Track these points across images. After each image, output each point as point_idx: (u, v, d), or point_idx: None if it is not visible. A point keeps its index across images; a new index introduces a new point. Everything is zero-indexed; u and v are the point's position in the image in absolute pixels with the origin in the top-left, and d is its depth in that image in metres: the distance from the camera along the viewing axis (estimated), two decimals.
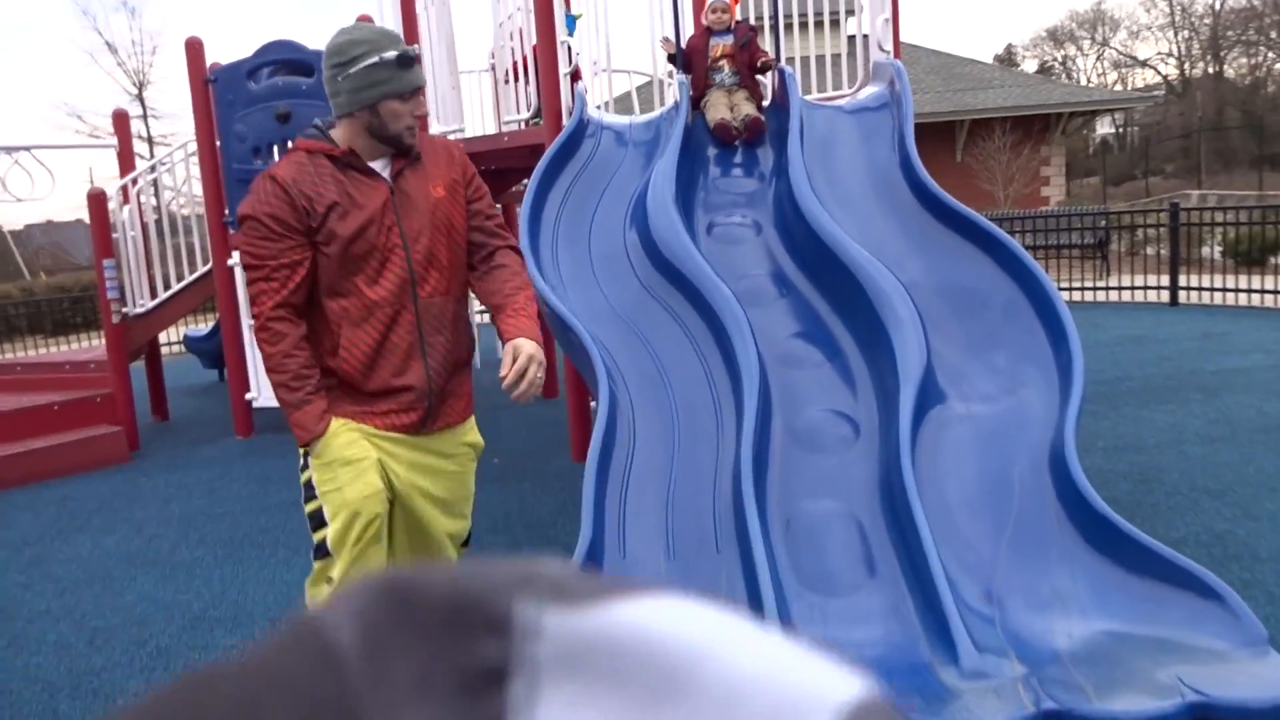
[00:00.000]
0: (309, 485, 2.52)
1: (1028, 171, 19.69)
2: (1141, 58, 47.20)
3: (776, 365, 3.88)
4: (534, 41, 5.57)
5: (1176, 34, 44.55)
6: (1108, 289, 12.08)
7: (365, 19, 5.86)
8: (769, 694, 0.29)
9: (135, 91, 32.11)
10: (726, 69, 5.24)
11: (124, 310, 7.58)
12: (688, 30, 5.48)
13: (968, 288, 4.02)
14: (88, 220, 7.42)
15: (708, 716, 0.28)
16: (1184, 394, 6.58)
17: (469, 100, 8.25)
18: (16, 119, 48.22)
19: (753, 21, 5.88)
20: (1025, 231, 13.03)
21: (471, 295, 2.91)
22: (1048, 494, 3.35)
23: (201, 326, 11.97)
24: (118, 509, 5.70)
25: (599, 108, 5.70)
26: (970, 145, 20.23)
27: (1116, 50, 47.62)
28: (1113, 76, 47.76)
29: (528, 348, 2.44)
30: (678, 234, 4.13)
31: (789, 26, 6.18)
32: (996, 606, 3.06)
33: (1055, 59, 48.86)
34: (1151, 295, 11.63)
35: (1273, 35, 40.71)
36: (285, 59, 7.05)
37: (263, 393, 7.31)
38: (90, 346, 11.43)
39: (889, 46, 5.30)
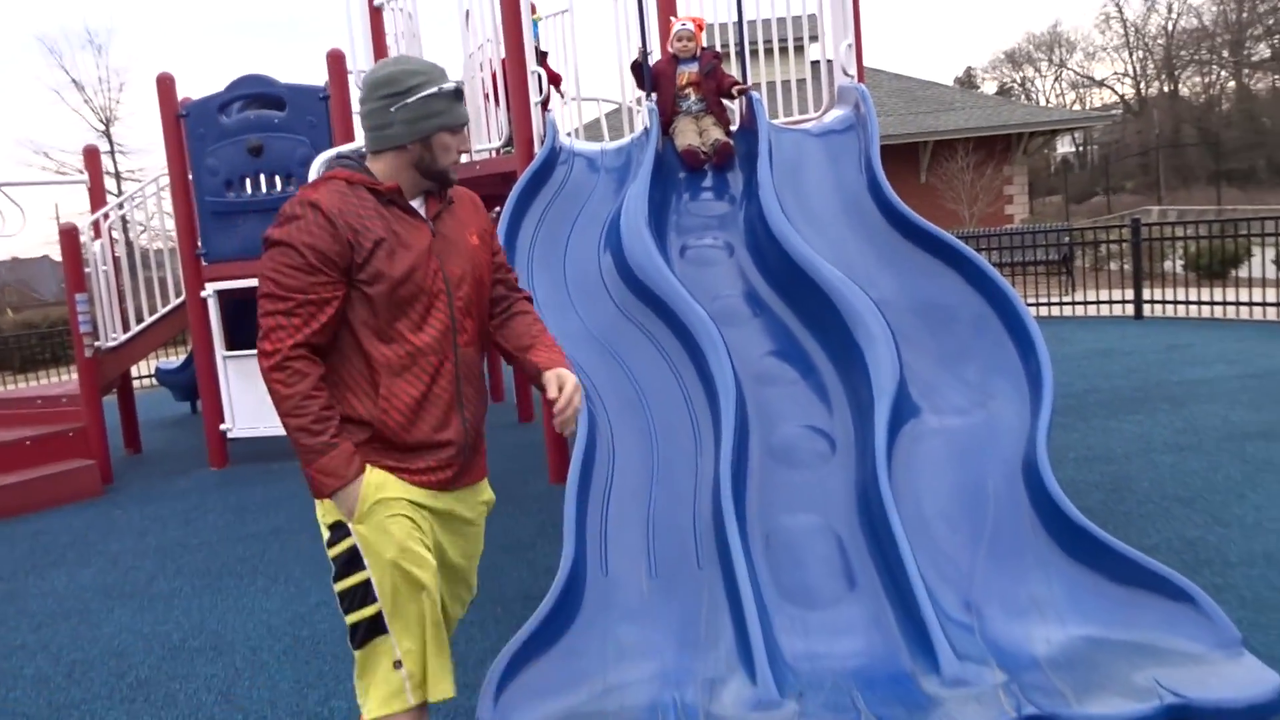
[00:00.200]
0: (352, 556, 2.18)
1: (991, 191, 20.00)
2: (1098, 78, 48.17)
3: (752, 383, 3.93)
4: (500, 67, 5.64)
5: (1131, 54, 45.54)
6: (1074, 304, 12.28)
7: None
8: None
9: (102, 128, 31.93)
10: (693, 96, 5.33)
11: (96, 344, 7.53)
12: (653, 48, 5.58)
13: (937, 303, 4.09)
14: (55, 256, 7.38)
15: None
16: (1151, 405, 6.70)
17: None
18: None
19: (719, 48, 5.98)
20: (991, 249, 13.22)
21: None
22: (1022, 503, 3.41)
23: (173, 359, 11.90)
24: (93, 542, 5.65)
25: (569, 135, 5.76)
26: (934, 166, 20.54)
27: (1074, 71, 48.62)
28: (1071, 96, 48.70)
29: (572, 377, 2.36)
30: (651, 257, 4.19)
31: (754, 53, 6.29)
32: (975, 615, 3.10)
33: (1014, 80, 49.77)
34: (1116, 309, 11.83)
35: (1225, 54, 41.64)
36: (257, 93, 7.08)
37: (237, 423, 7.28)
38: (59, 382, 11.32)
39: (853, 71, 5.41)
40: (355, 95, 6.37)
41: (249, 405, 7.23)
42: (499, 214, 4.78)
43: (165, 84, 7.20)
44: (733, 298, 4.41)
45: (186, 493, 6.73)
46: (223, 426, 7.34)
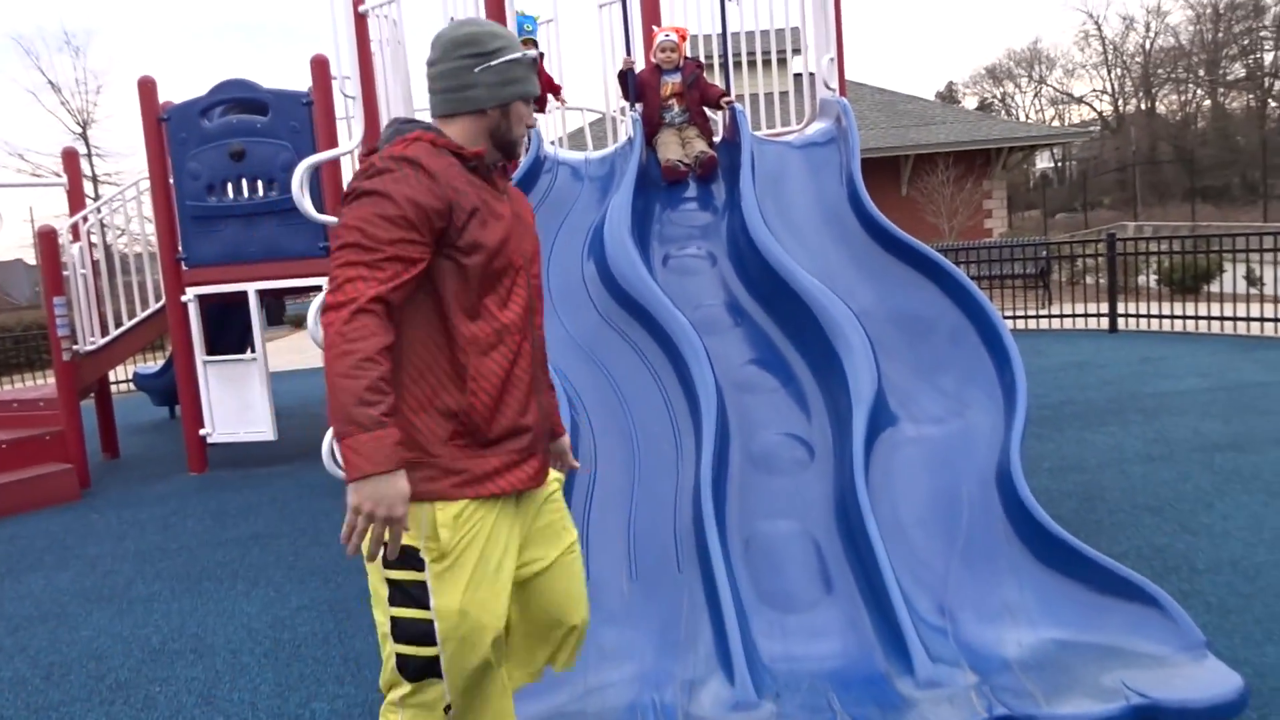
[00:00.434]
0: (419, 590, 1.99)
1: (971, 204, 20.20)
2: (1077, 95, 48.71)
3: (733, 391, 3.99)
4: None
5: (1110, 72, 46.12)
6: (1050, 317, 12.42)
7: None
8: None
9: (79, 130, 31.72)
10: (676, 107, 5.39)
11: (74, 348, 7.51)
12: (637, 54, 5.64)
13: (915, 314, 4.17)
14: (29, 259, 7.36)
15: None
16: (1124, 416, 6.81)
17: None
18: None
19: (702, 59, 6.05)
20: (970, 262, 13.36)
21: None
22: (996, 511, 3.48)
23: (151, 364, 11.85)
24: (70, 546, 5.63)
25: (553, 144, 5.81)
26: (915, 179, 20.72)
27: (1053, 88, 49.16)
28: (1050, 112, 49.23)
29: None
30: (634, 266, 4.24)
31: (738, 65, 6.36)
32: (949, 619, 3.16)
33: (995, 96, 50.27)
34: (1092, 323, 11.98)
35: (1201, 74, 42.24)
36: (240, 98, 7.08)
37: (217, 429, 7.27)
38: (34, 385, 11.25)
39: (834, 84, 5.49)
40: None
41: (229, 410, 7.22)
42: None
43: (147, 87, 7.20)
44: (715, 307, 4.46)
45: (165, 497, 6.71)
46: (202, 432, 7.32)
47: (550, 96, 6.49)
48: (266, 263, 7.02)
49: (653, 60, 5.49)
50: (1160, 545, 4.25)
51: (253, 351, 7.19)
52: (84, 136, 31.63)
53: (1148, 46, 44.12)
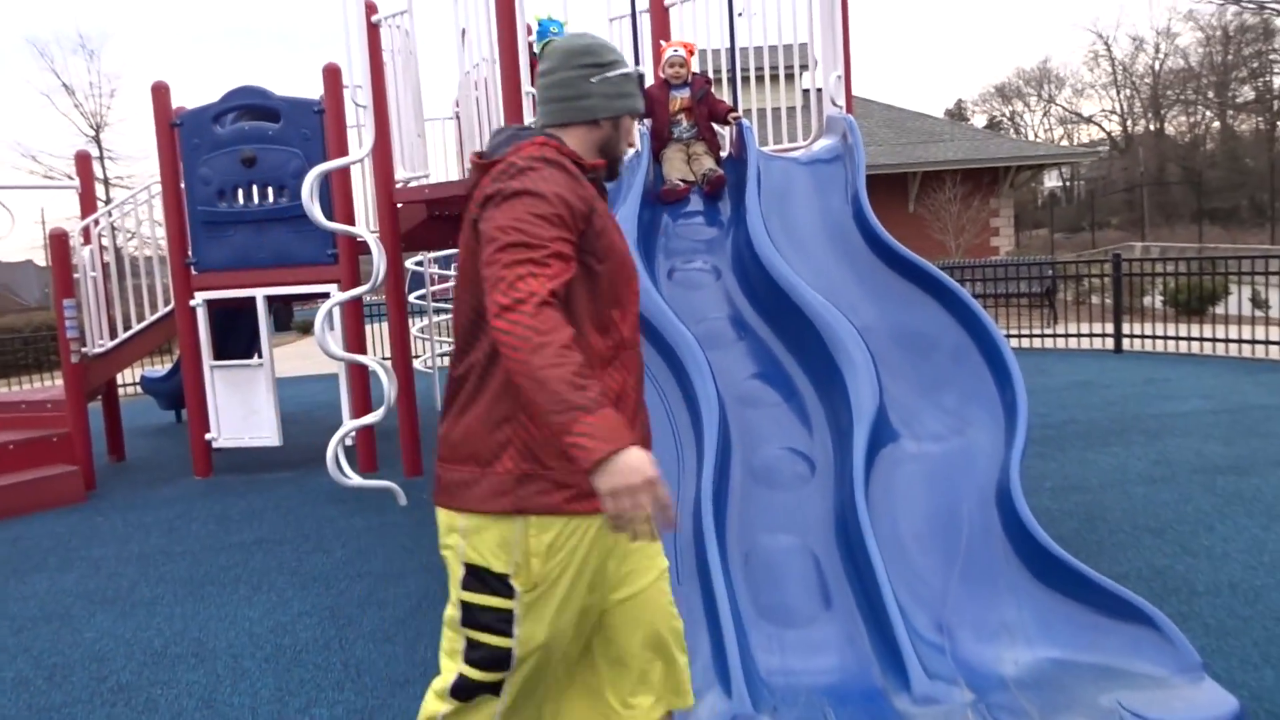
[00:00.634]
0: (504, 619, 1.95)
1: (978, 222, 20.22)
2: (1086, 114, 48.76)
3: (735, 405, 4.01)
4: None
5: (1119, 92, 46.14)
6: (1055, 336, 12.42)
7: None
8: None
9: (92, 133, 31.92)
10: (684, 122, 5.43)
11: (83, 350, 7.55)
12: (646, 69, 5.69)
13: (918, 332, 4.19)
14: (39, 261, 7.41)
15: None
16: (1127, 437, 6.81)
17: (433, 147, 8.40)
18: None
19: (710, 74, 6.10)
20: (976, 280, 13.38)
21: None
22: (995, 529, 3.50)
23: (159, 368, 11.89)
24: (75, 548, 5.66)
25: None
26: (922, 196, 20.75)
27: (1062, 107, 49.19)
28: (1059, 132, 49.27)
29: None
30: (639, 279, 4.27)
31: (746, 80, 6.40)
32: (947, 636, 3.18)
33: (1004, 114, 50.33)
34: (1097, 343, 11.98)
35: (1210, 95, 42.25)
36: (251, 104, 7.14)
37: (222, 433, 7.30)
38: (42, 387, 11.30)
39: (841, 101, 5.52)
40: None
41: (234, 415, 7.26)
42: None
43: (160, 92, 7.26)
44: (719, 320, 4.49)
45: (170, 501, 6.74)
46: (208, 436, 7.36)
47: None
48: (275, 269, 7.06)
49: (661, 75, 5.52)
50: (1160, 567, 4.26)
51: (260, 357, 7.23)
52: (97, 139, 31.85)
53: (1157, 68, 44.19)
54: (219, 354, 7.57)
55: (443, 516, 2.02)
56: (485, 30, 5.86)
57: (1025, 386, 3.77)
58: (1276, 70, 39.41)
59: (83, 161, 8.45)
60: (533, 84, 5.69)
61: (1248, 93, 41.02)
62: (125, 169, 32.88)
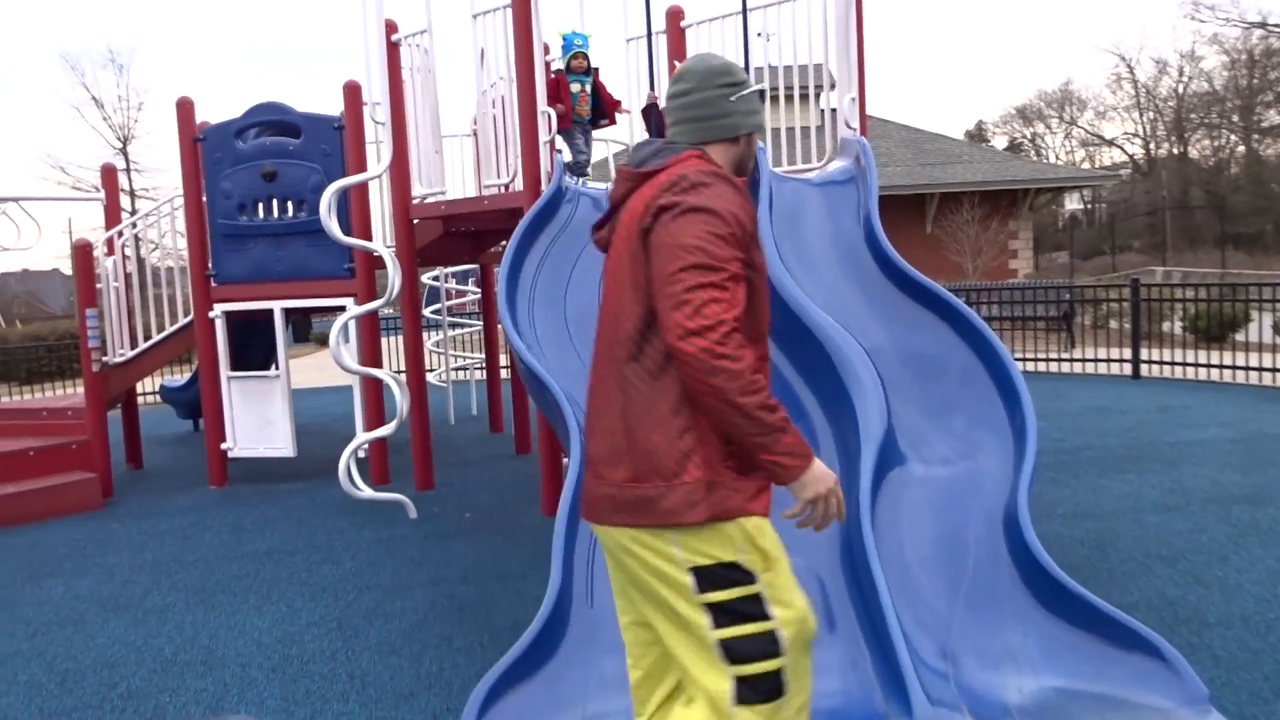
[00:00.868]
0: (754, 600, 1.96)
1: (996, 244, 20.17)
2: (1108, 137, 48.58)
3: None
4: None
5: (1142, 115, 45.97)
6: (1072, 361, 12.35)
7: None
8: None
9: (119, 146, 32.29)
10: None
11: (103, 359, 7.64)
12: (660, 90, 5.71)
13: (927, 354, 4.19)
14: (65, 270, 7.52)
15: None
16: (1142, 464, 6.77)
17: (451, 164, 8.47)
18: None
19: None
20: (992, 303, 13.33)
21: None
22: (1002, 555, 3.49)
23: (178, 377, 12.00)
24: (90, 554, 5.71)
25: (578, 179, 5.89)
26: (940, 217, 20.72)
27: (1084, 129, 49.04)
28: (1080, 154, 49.10)
29: None
30: None
31: (774, 99, 6.43)
32: (950, 662, 3.17)
33: (1024, 136, 50.21)
34: (1114, 368, 11.91)
35: (1235, 119, 42.03)
36: (273, 120, 7.24)
37: (238, 443, 7.37)
38: (64, 395, 11.42)
39: (855, 123, 5.54)
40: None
41: (250, 425, 7.33)
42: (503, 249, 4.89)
43: (184, 107, 7.37)
44: None
45: (185, 509, 6.80)
46: (224, 445, 7.42)
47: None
48: (293, 282, 7.14)
49: None
50: (1172, 597, 4.23)
51: (276, 368, 7.29)
52: (124, 152, 32.24)
53: (1181, 91, 44.02)
54: (237, 365, 7.64)
55: (622, 535, 2.00)
56: (503, 50, 5.92)
57: (1038, 411, 3.77)
58: None
59: (108, 174, 8.58)
60: (549, 104, 5.77)
61: (1273, 117, 40.82)
62: (151, 181, 33.17)
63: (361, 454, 6.91)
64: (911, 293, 4.37)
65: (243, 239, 7.20)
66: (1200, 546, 4.89)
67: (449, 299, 11.23)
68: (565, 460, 5.15)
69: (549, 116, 5.65)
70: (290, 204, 7.13)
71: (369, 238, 6.91)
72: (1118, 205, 43.99)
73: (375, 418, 7.00)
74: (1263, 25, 37.24)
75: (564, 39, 5.92)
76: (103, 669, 3.95)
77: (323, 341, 23.06)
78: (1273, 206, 37.66)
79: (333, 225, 5.58)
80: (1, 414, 7.94)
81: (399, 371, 8.76)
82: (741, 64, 5.62)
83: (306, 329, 23.55)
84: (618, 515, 2.00)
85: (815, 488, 1.91)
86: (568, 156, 5.91)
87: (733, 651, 1.95)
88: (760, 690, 1.95)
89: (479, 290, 10.20)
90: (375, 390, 7.06)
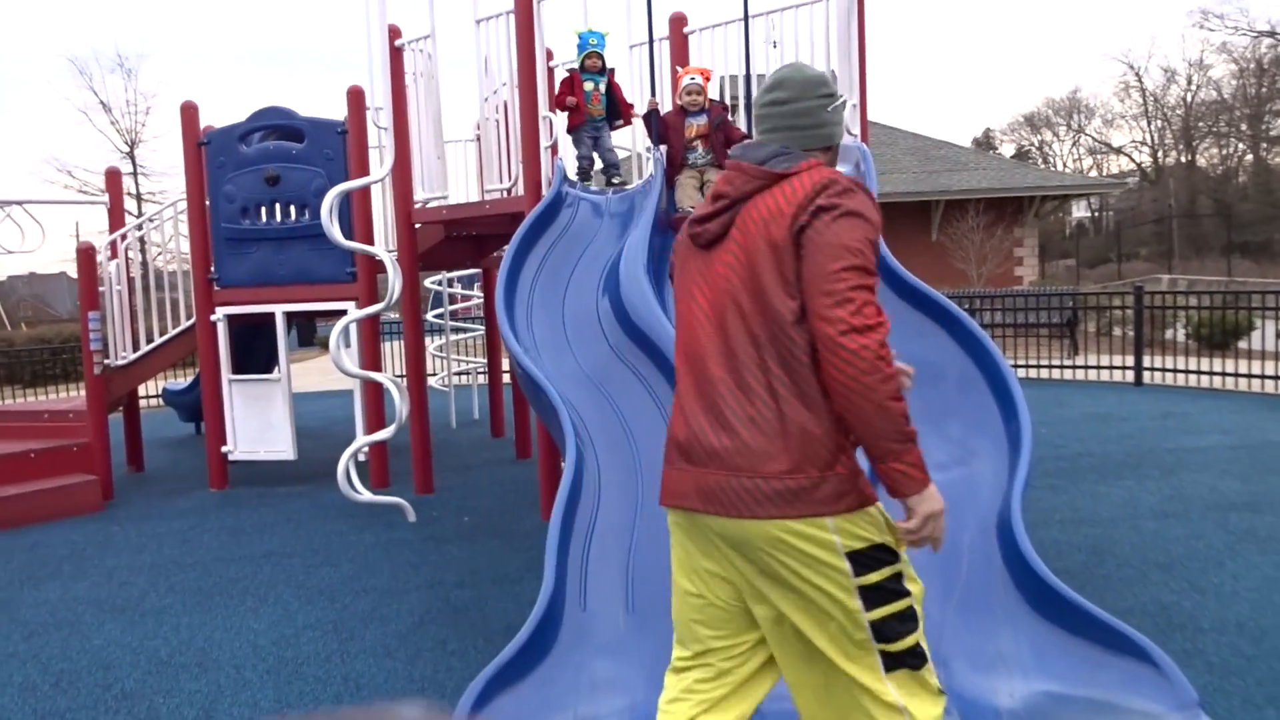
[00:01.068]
0: (897, 579, 2.06)
1: (1001, 252, 20.14)
2: (1116, 145, 48.50)
3: None
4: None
5: (1150, 123, 45.89)
6: (1075, 368, 12.34)
7: None
8: None
9: (127, 150, 32.41)
10: (700, 148, 5.47)
11: (106, 362, 7.67)
12: (661, 96, 5.73)
13: (925, 360, 4.18)
14: (72, 273, 7.55)
15: None
16: (1141, 471, 6.76)
17: (454, 168, 8.50)
18: (6, 173, 48.55)
19: (728, 100, 6.14)
20: (996, 310, 13.32)
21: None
22: (995, 560, 3.49)
23: (180, 380, 12.04)
24: (89, 556, 5.73)
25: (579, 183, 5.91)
26: (945, 224, 20.70)
27: (1092, 137, 48.98)
28: (1088, 162, 49.04)
29: None
30: (648, 303, 4.30)
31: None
32: (942, 666, 3.17)
33: (1032, 144, 50.16)
34: (1117, 375, 11.89)
35: (1243, 128, 41.95)
36: (276, 124, 7.27)
37: (239, 446, 7.39)
38: (68, 397, 11.47)
39: (856, 130, 5.55)
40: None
41: (251, 428, 7.35)
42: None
43: (189, 112, 7.41)
44: None
45: (185, 512, 6.82)
46: (224, 448, 7.45)
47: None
48: (295, 285, 7.17)
49: (678, 102, 5.57)
50: (1167, 603, 4.22)
51: (279, 372, 7.32)
52: (131, 156, 32.31)
53: (1189, 99, 43.95)
54: (240, 368, 7.67)
55: (772, 527, 1.99)
56: (506, 55, 5.95)
57: (1039, 418, 3.78)
58: None
59: (112, 178, 8.62)
60: (551, 109, 5.80)
61: None
62: (158, 185, 33.19)
63: (362, 457, 6.93)
64: (910, 299, 4.38)
65: (245, 243, 7.23)
66: (1197, 553, 4.89)
67: (453, 303, 11.26)
68: (564, 464, 5.15)
69: (550, 121, 5.68)
70: (293, 208, 7.15)
71: (371, 242, 6.94)
72: (1125, 213, 43.93)
73: (376, 422, 7.02)
74: (1272, 34, 37.22)
75: (579, 37, 5.91)
76: (98, 670, 3.96)
77: (327, 345, 23.11)
78: None
79: (334, 229, 5.61)
80: (3, 416, 7.97)
81: (400, 376, 8.79)
82: (744, 70, 5.64)
83: (311, 333, 23.59)
84: (769, 507, 1.99)
85: (931, 505, 1.98)
86: (571, 164, 5.89)
87: (881, 631, 2.02)
88: (907, 662, 2.04)
89: (482, 295, 10.22)
90: (376, 394, 7.08)
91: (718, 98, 5.77)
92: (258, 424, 7.32)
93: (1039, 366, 12.41)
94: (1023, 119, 51.15)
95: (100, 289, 7.70)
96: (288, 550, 5.66)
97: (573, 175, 5.75)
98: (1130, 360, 11.78)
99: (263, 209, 7.21)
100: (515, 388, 8.25)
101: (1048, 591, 3.26)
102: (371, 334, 7.13)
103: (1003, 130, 52.57)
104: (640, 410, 4.12)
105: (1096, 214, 47.54)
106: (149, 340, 8.06)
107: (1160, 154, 45.87)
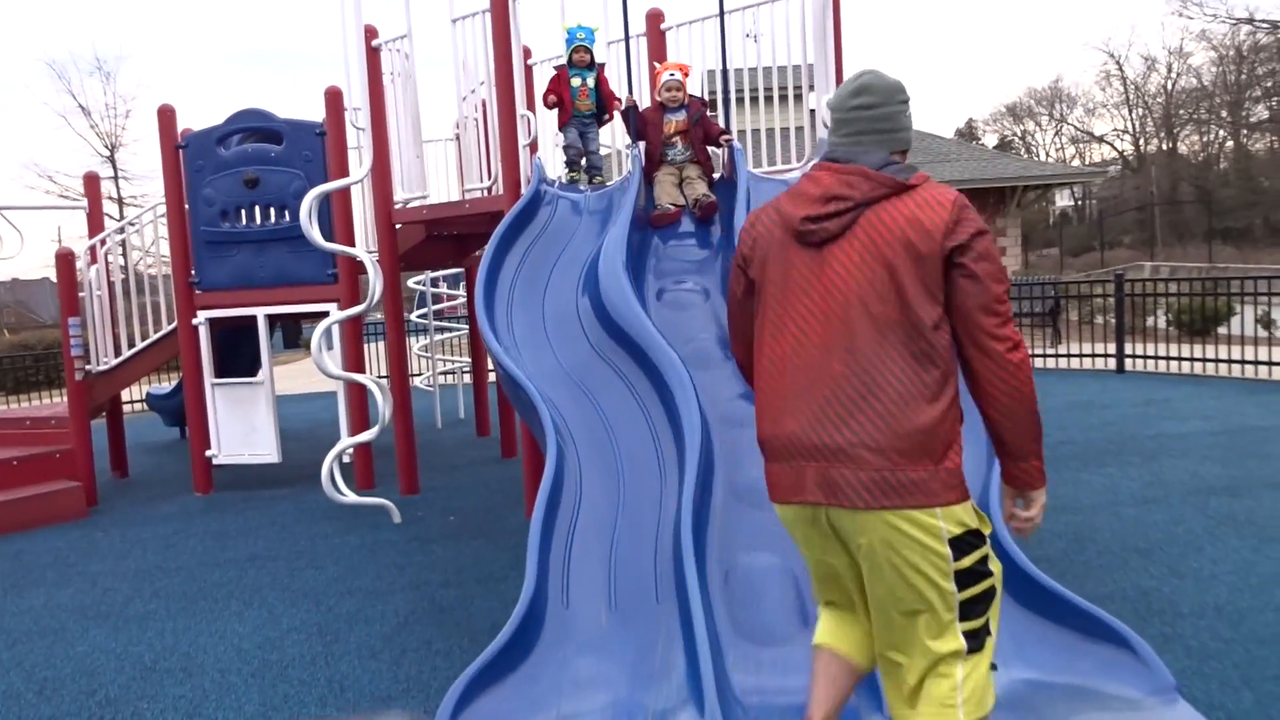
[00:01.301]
0: (984, 561, 2.23)
1: None
2: (1098, 134, 48.64)
3: (720, 425, 4.04)
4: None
5: (1131, 112, 46.06)
6: (1058, 356, 12.41)
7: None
8: None
9: (107, 154, 32.19)
10: (679, 145, 5.48)
11: (87, 367, 7.64)
12: (638, 92, 5.73)
13: None
14: (54, 279, 7.50)
15: None
16: (1123, 458, 6.81)
17: (434, 168, 8.49)
18: None
19: (707, 95, 6.15)
20: None
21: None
22: None
23: (164, 384, 12.00)
24: (73, 563, 5.72)
25: (559, 179, 5.91)
26: None
27: (1074, 126, 49.12)
28: (1070, 151, 49.18)
29: None
30: (627, 299, 4.31)
31: (754, 100, 6.45)
32: None
33: (1015, 134, 50.28)
34: (1099, 363, 11.96)
35: (1223, 115, 42.16)
36: (255, 127, 7.24)
37: (223, 450, 7.37)
38: (48, 404, 11.41)
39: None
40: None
41: (235, 432, 7.33)
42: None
43: (165, 115, 7.37)
44: (706, 341, 4.52)
45: (169, 517, 6.80)
46: (208, 453, 7.43)
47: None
48: (276, 288, 7.15)
49: (657, 98, 5.57)
50: (1146, 588, 4.26)
51: (262, 375, 7.30)
52: (112, 160, 32.09)
53: (1169, 87, 44.11)
54: (224, 371, 7.65)
55: (891, 516, 2.13)
56: (483, 54, 5.94)
57: None
58: None
59: (91, 182, 8.56)
60: (530, 108, 5.80)
61: (1261, 112, 40.93)
62: (139, 189, 32.90)
63: (347, 459, 6.92)
64: None
65: (225, 246, 7.21)
66: (1176, 538, 4.93)
67: (438, 303, 11.25)
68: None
69: (528, 120, 5.67)
70: (272, 210, 7.13)
71: (351, 243, 6.92)
72: (1108, 201, 44.10)
73: (360, 423, 7.01)
74: (1250, 21, 37.32)
75: (567, 32, 5.89)
76: (81, 677, 3.95)
77: None
78: (1261, 201, 37.76)
79: (313, 231, 5.60)
80: None
81: (383, 376, 8.78)
82: (721, 66, 5.65)
83: (297, 335, 23.50)
84: (892, 498, 2.13)
85: (1044, 500, 2.30)
86: (551, 162, 5.89)
87: (966, 611, 2.19)
88: (979, 639, 2.22)
89: (466, 294, 10.22)
90: (360, 395, 7.06)
91: (697, 93, 5.78)
92: (241, 427, 7.31)
93: None
94: (1005, 109, 51.29)
95: (81, 294, 7.66)
96: (272, 553, 5.66)
97: (557, 171, 5.74)
98: (1112, 348, 11.85)
99: (242, 212, 7.19)
100: (500, 387, 8.25)
101: (1025, 580, 3.29)
102: (354, 335, 7.12)
103: (985, 121, 52.74)
104: (621, 407, 4.13)
105: (1079, 203, 47.73)
106: (131, 345, 8.03)
107: (1142, 142, 46.06)
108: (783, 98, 6.31)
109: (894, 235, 2.15)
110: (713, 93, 6.39)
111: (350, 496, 6.05)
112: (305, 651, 4.07)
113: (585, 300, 4.66)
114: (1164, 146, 44.74)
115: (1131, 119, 46.27)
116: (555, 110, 5.91)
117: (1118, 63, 48.51)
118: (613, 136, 6.83)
